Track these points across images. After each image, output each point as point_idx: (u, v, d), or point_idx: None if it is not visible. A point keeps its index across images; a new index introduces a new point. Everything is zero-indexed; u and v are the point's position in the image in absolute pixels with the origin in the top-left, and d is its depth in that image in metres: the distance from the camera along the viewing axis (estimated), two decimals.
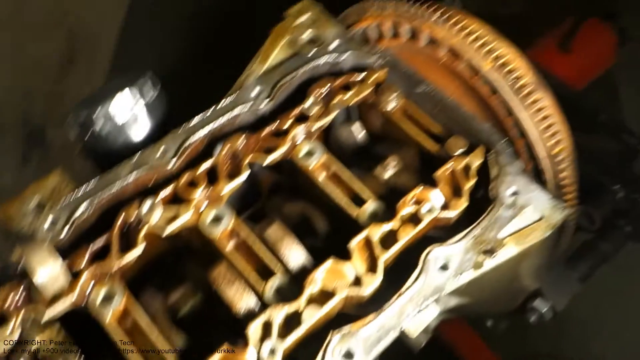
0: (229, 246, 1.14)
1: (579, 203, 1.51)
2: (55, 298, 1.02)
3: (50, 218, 1.12)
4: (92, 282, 1.05)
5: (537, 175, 1.46)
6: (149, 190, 1.19)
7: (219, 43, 3.63)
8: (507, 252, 1.14)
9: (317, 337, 1.05)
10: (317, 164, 1.23)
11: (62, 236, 1.11)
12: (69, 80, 3.63)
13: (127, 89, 1.22)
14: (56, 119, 3.50)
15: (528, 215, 1.18)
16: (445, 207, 1.19)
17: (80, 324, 1.05)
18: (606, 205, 1.55)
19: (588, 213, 1.47)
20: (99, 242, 1.10)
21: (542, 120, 1.37)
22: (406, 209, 1.17)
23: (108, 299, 1.04)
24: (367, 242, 1.13)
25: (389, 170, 1.30)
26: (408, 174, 1.30)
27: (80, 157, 1.27)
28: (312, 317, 1.03)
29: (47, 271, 0.97)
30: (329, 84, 1.33)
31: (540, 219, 1.18)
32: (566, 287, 1.28)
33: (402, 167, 1.30)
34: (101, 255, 1.09)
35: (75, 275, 1.05)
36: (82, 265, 1.06)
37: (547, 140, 1.38)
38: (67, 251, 1.10)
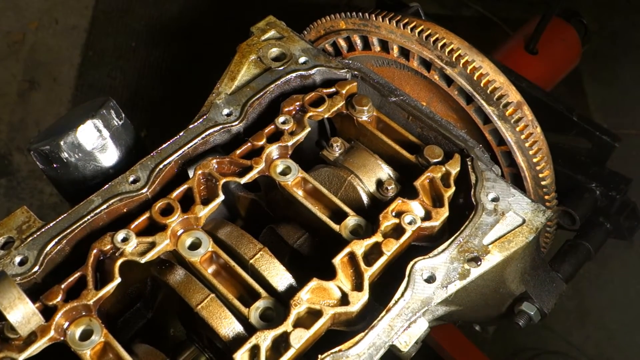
0: (210, 270, 1.11)
1: (559, 204, 1.51)
2: (31, 337, 0.98)
3: (20, 255, 1.07)
4: (69, 321, 1.01)
5: (516, 180, 1.45)
6: (123, 219, 1.15)
7: (185, 61, 3.59)
8: (492, 259, 1.13)
9: (308, 356, 1.02)
10: (294, 181, 1.21)
11: (34, 273, 1.06)
12: (30, 106, 3.55)
13: (89, 121, 1.17)
14: (20, 145, 3.42)
15: (510, 220, 1.18)
16: (427, 217, 1.18)
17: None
18: (585, 204, 1.56)
19: (568, 213, 1.47)
20: (73, 277, 1.05)
21: (519, 128, 1.36)
22: (388, 222, 1.15)
23: (86, 336, 1.00)
24: (351, 258, 1.10)
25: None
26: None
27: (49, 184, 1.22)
28: (300, 339, 1.00)
29: (19, 313, 0.92)
30: (301, 99, 1.31)
31: (522, 224, 1.17)
32: (552, 288, 1.27)
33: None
34: (77, 288, 1.04)
35: (52, 310, 1.00)
36: (57, 301, 1.01)
37: (525, 146, 1.37)
38: (42, 286, 1.06)
